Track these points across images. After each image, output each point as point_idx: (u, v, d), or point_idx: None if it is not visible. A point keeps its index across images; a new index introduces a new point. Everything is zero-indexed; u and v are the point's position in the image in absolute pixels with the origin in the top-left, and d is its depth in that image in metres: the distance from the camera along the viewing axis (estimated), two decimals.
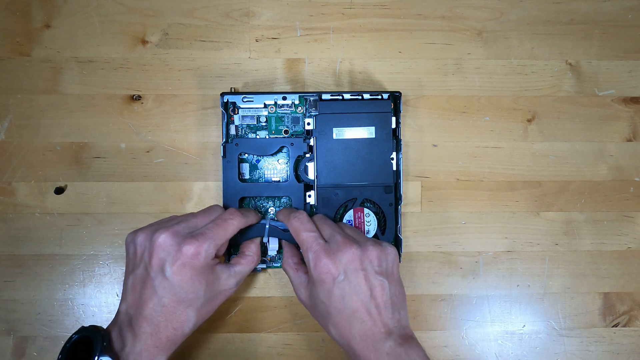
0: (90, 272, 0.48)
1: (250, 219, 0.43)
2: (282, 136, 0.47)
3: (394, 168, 0.45)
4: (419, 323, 0.48)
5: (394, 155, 0.45)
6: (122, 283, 0.47)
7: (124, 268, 0.41)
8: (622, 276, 0.49)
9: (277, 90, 0.48)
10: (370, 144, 0.45)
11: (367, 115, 0.45)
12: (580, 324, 0.49)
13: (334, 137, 0.45)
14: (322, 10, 0.49)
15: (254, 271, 0.46)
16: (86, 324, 0.39)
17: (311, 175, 0.45)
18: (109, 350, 0.36)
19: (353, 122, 0.45)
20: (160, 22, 0.48)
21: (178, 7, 0.48)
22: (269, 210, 0.47)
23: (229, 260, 0.45)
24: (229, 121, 0.46)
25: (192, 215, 0.41)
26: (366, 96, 0.45)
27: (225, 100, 0.46)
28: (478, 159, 0.49)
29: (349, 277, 0.38)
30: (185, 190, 0.48)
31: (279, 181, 0.47)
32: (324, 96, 0.45)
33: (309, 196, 0.45)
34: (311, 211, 0.46)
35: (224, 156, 0.45)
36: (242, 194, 0.45)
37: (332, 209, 0.45)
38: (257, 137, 0.47)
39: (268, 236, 0.44)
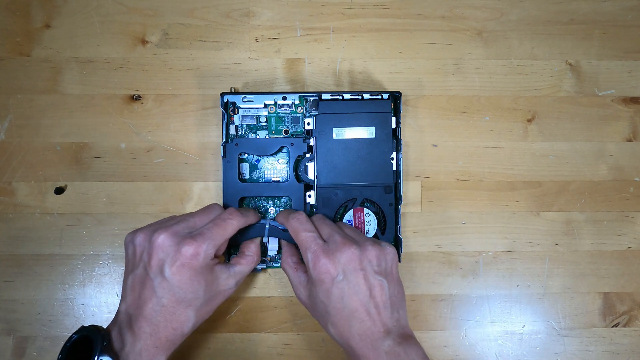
0: (90, 272, 0.48)
1: (249, 219, 0.43)
2: (282, 136, 0.47)
3: (394, 168, 0.45)
4: (419, 323, 0.48)
5: (394, 155, 0.45)
6: (122, 283, 0.47)
7: (124, 268, 0.41)
8: (622, 276, 0.49)
9: (277, 90, 0.48)
10: (370, 144, 0.45)
11: (367, 115, 0.45)
12: (580, 324, 0.49)
13: (334, 137, 0.45)
14: (322, 10, 0.49)
15: (254, 271, 0.46)
16: (86, 324, 0.39)
17: (311, 175, 0.45)
18: (108, 350, 0.36)
19: (353, 122, 0.45)
20: (160, 22, 0.48)
21: (178, 7, 0.48)
22: (269, 210, 0.47)
23: (228, 260, 0.45)
24: (229, 121, 0.46)
25: (191, 215, 0.41)
26: (366, 96, 0.45)
27: (225, 100, 0.46)
28: (478, 159, 0.49)
29: (348, 277, 0.38)
30: (185, 190, 0.48)
31: (279, 181, 0.47)
32: (324, 96, 0.45)
33: (309, 196, 0.45)
34: (311, 211, 0.46)
35: (224, 156, 0.45)
36: (242, 194, 0.45)
37: (332, 209, 0.45)
38: (257, 137, 0.47)
39: (268, 236, 0.44)
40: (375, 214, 0.46)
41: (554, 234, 0.49)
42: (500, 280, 0.49)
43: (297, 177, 0.46)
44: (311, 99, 0.45)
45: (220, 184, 0.46)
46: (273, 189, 0.46)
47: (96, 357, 0.35)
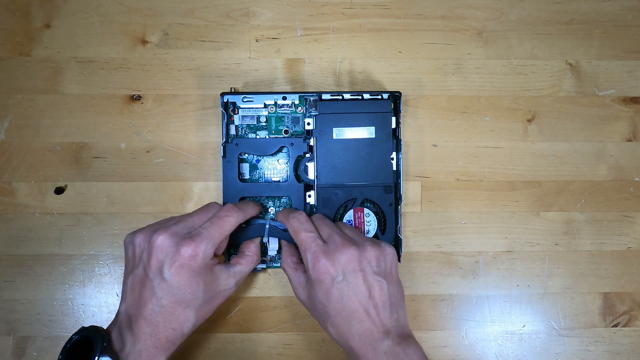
0: (90, 272, 0.48)
1: (249, 212, 0.42)
2: (282, 136, 0.47)
3: (394, 168, 0.45)
4: (419, 323, 0.48)
5: (394, 155, 0.45)
6: (121, 283, 0.47)
7: (124, 269, 0.41)
8: (622, 276, 0.49)
9: (277, 90, 0.48)
10: (370, 144, 0.45)
11: (367, 115, 0.45)
12: (580, 324, 0.49)
13: (334, 137, 0.45)
14: (322, 10, 0.49)
15: (254, 271, 0.46)
16: (86, 324, 0.39)
17: (311, 175, 0.45)
18: (108, 350, 0.36)
19: (353, 122, 0.45)
20: (160, 22, 0.48)
21: (178, 7, 0.48)
22: (269, 210, 0.47)
23: (228, 260, 0.45)
24: (229, 121, 0.46)
25: (190, 214, 0.41)
26: (366, 96, 0.45)
27: (225, 100, 0.46)
28: (478, 159, 0.49)
29: (348, 277, 0.38)
30: (185, 190, 0.48)
31: (279, 181, 0.47)
32: (324, 96, 0.45)
33: (309, 196, 0.45)
34: (311, 211, 0.46)
35: (224, 156, 0.45)
36: (242, 194, 0.45)
37: (332, 209, 0.45)
38: (257, 137, 0.47)
39: (268, 236, 0.44)
40: (375, 214, 0.46)
41: (554, 234, 0.49)
42: (500, 280, 0.49)
43: (297, 177, 0.46)
44: (311, 99, 0.45)
45: (220, 184, 0.46)
46: (273, 189, 0.46)
47: (96, 358, 0.35)
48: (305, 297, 0.42)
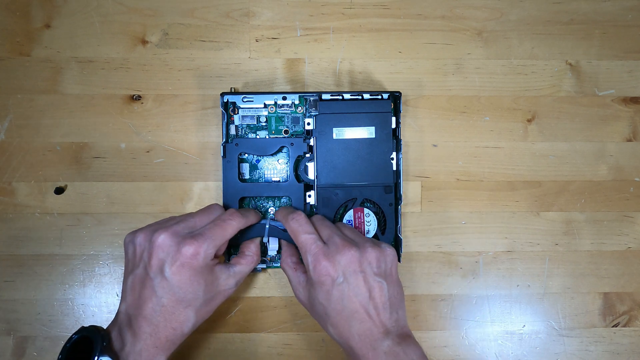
0: (90, 272, 0.48)
1: (250, 219, 0.43)
2: (282, 136, 0.47)
3: (394, 168, 0.45)
4: (419, 323, 0.48)
5: (394, 155, 0.45)
6: (122, 283, 0.47)
7: (124, 268, 0.41)
8: (622, 276, 0.49)
9: (277, 90, 0.48)
10: (370, 144, 0.45)
11: (367, 115, 0.45)
12: (580, 324, 0.49)
13: (334, 137, 0.45)
14: (322, 10, 0.49)
15: (254, 271, 0.46)
16: (86, 324, 0.39)
17: (311, 175, 0.45)
18: (108, 350, 0.36)
19: (353, 122, 0.45)
20: (160, 22, 0.48)
21: (178, 7, 0.48)
22: (269, 210, 0.47)
23: (228, 260, 0.45)
24: (229, 121, 0.46)
25: (191, 215, 0.41)
26: (366, 96, 0.45)
27: (225, 100, 0.46)
28: (478, 159, 0.49)
29: (348, 279, 0.38)
30: (185, 190, 0.48)
31: (279, 181, 0.47)
32: (324, 96, 0.45)
33: (309, 196, 0.45)
34: (311, 211, 0.46)
35: (224, 156, 0.45)
36: (242, 194, 0.45)
37: (332, 209, 0.45)
38: (257, 137, 0.47)
39: (268, 236, 0.44)
40: (375, 214, 0.46)
41: (554, 234, 0.49)
42: (500, 280, 0.49)
43: (297, 177, 0.46)
44: (311, 99, 0.45)
45: (220, 184, 0.46)
46: (273, 189, 0.46)
47: (96, 358, 0.35)
48: (304, 297, 0.42)
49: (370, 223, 0.46)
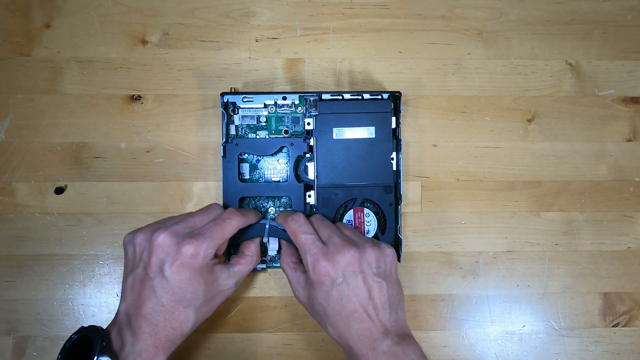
0: (90, 272, 0.48)
1: (249, 219, 0.43)
2: (282, 136, 0.47)
3: (394, 168, 0.45)
4: (419, 323, 0.48)
5: (394, 155, 0.45)
6: (121, 283, 0.47)
7: (123, 268, 0.41)
8: (622, 276, 0.49)
9: (277, 90, 0.48)
10: (370, 144, 0.45)
11: (367, 115, 0.45)
12: (580, 324, 0.49)
13: (334, 137, 0.45)
14: (322, 10, 0.49)
15: (254, 271, 0.46)
16: (86, 324, 0.39)
17: (311, 175, 0.45)
18: (108, 350, 0.36)
19: (353, 122, 0.45)
20: (160, 22, 0.48)
21: (178, 7, 0.48)
22: (269, 210, 0.47)
23: (228, 260, 0.45)
24: (229, 121, 0.46)
25: (191, 214, 0.41)
26: (366, 96, 0.45)
27: (225, 100, 0.46)
28: (478, 159, 0.49)
29: (348, 279, 0.38)
30: (185, 190, 0.48)
31: (279, 181, 0.47)
32: (324, 96, 0.45)
33: (309, 196, 0.45)
34: (311, 211, 0.46)
35: (224, 156, 0.45)
36: (242, 194, 0.45)
37: (332, 209, 0.45)
38: (257, 137, 0.47)
39: (268, 236, 0.44)
40: (375, 214, 0.46)
41: (554, 234, 0.49)
42: (500, 280, 0.49)
43: (297, 177, 0.46)
44: (311, 99, 0.45)
45: (220, 184, 0.46)
46: (273, 189, 0.46)
47: (95, 358, 0.35)
48: (304, 297, 0.42)
49: (370, 223, 0.46)
